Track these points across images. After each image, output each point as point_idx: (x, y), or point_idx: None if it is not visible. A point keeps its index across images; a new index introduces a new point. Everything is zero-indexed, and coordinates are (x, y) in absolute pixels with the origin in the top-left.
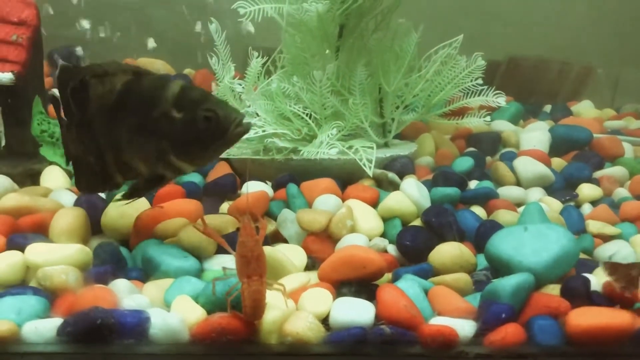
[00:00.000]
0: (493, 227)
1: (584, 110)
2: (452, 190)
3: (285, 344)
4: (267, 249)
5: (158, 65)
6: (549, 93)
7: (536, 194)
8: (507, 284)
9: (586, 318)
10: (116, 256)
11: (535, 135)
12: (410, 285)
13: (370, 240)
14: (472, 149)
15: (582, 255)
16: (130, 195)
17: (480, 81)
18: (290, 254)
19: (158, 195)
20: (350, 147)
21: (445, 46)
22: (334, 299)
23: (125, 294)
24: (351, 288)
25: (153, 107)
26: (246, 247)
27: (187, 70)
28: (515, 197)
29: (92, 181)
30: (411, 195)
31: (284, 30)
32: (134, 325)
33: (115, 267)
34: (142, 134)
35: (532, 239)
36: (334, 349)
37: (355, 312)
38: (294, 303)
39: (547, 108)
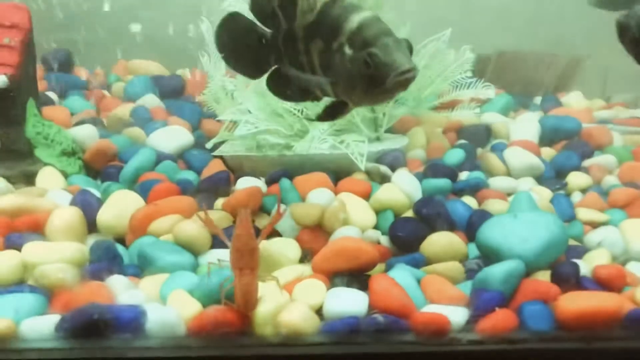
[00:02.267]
0: (483, 216)
1: (574, 101)
2: (442, 182)
3: (280, 335)
4: (261, 243)
5: (152, 67)
6: (539, 85)
7: (526, 184)
8: (497, 271)
9: (575, 302)
10: (112, 253)
11: (525, 125)
12: (402, 274)
13: (363, 232)
14: (463, 141)
15: (572, 242)
16: (324, 118)
17: (469, 74)
18: (284, 248)
19: (152, 192)
20: (342, 142)
21: (434, 40)
22: (328, 290)
23: (121, 290)
24: (344, 279)
25: (334, 38)
26: (240, 240)
27: (179, 71)
28: (505, 187)
29: (297, 91)
30: (402, 187)
31: None
32: (130, 320)
33: (112, 264)
34: (324, 60)
35: (521, 226)
36: (329, 338)
37: (349, 302)
38: (289, 295)
39: (537, 100)
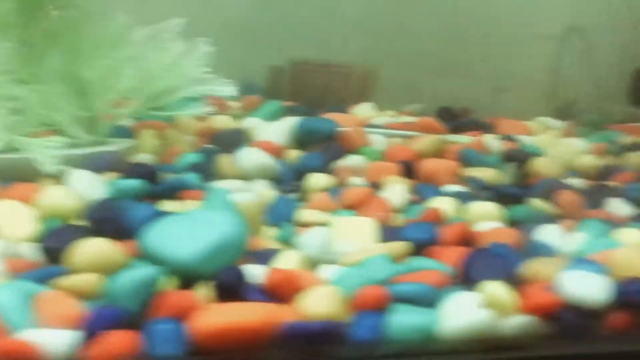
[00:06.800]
0: (160, 218)
1: (361, 112)
2: (134, 183)
3: None
4: None
5: None
6: (332, 97)
7: (258, 187)
8: (123, 282)
9: (213, 317)
10: None
11: (273, 127)
12: (6, 290)
13: (14, 245)
14: (209, 145)
15: (279, 246)
16: None
17: (207, 69)
18: None
19: None
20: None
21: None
22: None
23: None
24: None
25: None
26: None
27: None
28: (233, 189)
29: None
30: (79, 190)
31: None
32: None
33: None
34: None
35: (190, 227)
36: None
37: None
38: None
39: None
